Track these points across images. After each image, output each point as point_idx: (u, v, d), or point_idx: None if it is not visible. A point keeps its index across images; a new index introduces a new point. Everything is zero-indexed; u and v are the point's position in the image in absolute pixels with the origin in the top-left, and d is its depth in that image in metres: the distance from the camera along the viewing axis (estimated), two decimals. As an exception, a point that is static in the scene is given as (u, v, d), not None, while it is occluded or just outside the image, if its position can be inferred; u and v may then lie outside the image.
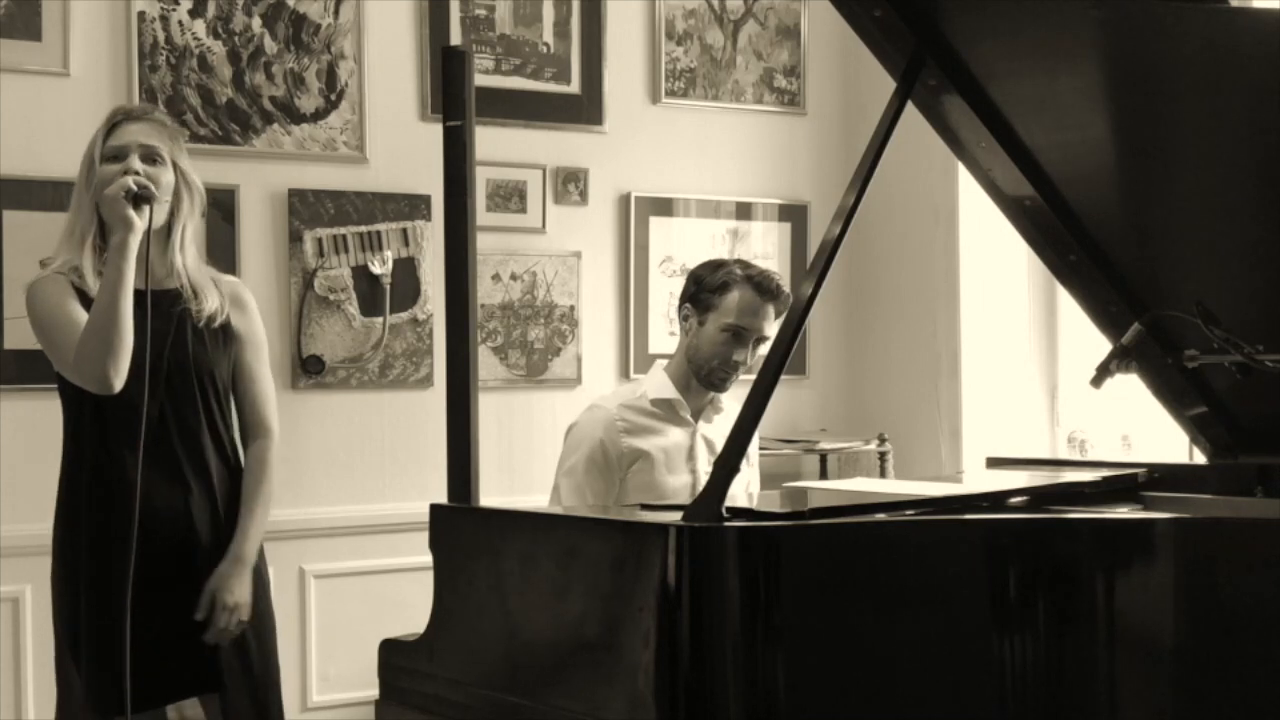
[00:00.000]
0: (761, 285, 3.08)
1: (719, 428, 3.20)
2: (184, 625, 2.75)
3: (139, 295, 2.63)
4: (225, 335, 2.83)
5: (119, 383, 2.60)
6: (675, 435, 3.13)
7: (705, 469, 3.15)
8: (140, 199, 2.59)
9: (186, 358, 2.75)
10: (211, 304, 2.79)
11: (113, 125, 2.74)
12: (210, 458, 2.79)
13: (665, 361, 3.22)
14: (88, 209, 2.72)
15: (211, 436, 2.80)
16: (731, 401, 3.26)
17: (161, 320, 2.69)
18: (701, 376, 3.12)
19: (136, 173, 2.64)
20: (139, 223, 2.58)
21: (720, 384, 3.14)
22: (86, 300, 2.68)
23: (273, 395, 2.94)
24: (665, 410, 3.13)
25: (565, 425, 3.24)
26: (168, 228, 2.75)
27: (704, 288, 3.10)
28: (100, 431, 2.72)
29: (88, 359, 2.59)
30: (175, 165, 2.75)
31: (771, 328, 3.12)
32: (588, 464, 3.07)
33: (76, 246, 2.74)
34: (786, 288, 3.15)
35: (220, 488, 2.81)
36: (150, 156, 2.71)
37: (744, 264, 3.15)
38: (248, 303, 2.90)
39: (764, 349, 3.17)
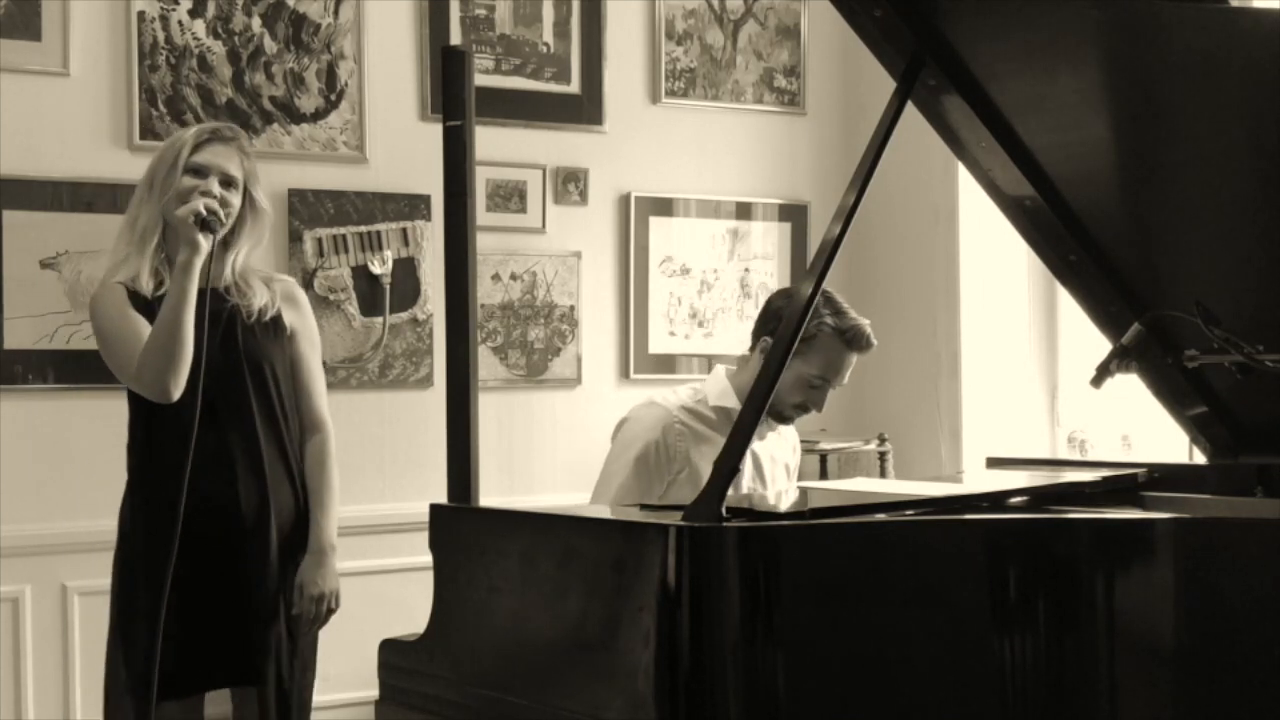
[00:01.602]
0: (852, 341, 2.97)
1: (768, 445, 3.15)
2: (225, 615, 2.81)
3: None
4: (276, 328, 2.91)
5: (177, 394, 2.72)
6: None
7: (747, 486, 3.08)
8: (207, 225, 2.70)
9: (236, 351, 2.83)
10: (260, 299, 2.88)
11: (200, 142, 2.84)
12: (264, 449, 2.85)
13: (727, 368, 3.14)
14: (153, 209, 2.82)
15: (266, 427, 2.86)
16: (786, 425, 3.22)
17: (216, 320, 2.79)
18: (770, 411, 2.98)
19: (213, 196, 2.77)
20: (205, 246, 2.69)
21: (787, 421, 3.10)
22: (139, 301, 2.79)
23: (324, 389, 3.03)
24: (723, 419, 3.03)
25: (566, 425, 3.24)
26: (225, 241, 2.84)
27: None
28: (152, 424, 2.81)
29: (149, 371, 2.72)
30: (246, 190, 2.87)
31: (850, 374, 3.04)
32: (638, 463, 2.98)
33: (138, 243, 2.83)
34: (874, 338, 3.02)
35: (273, 478, 2.86)
36: (227, 182, 2.83)
37: (834, 308, 2.98)
38: (301, 300, 3.01)
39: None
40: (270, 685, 2.84)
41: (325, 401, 3.01)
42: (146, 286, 2.81)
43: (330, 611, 2.93)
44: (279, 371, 2.89)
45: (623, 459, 3.01)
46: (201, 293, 2.74)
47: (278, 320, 2.91)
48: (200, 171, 2.81)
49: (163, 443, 2.79)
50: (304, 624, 2.88)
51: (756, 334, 3.07)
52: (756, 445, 3.10)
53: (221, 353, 2.81)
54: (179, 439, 2.69)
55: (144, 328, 2.75)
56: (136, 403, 2.83)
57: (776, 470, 3.18)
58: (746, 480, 3.08)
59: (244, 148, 2.90)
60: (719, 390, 3.07)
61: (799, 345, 2.92)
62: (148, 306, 2.79)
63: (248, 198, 2.87)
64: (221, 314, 2.83)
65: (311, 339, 3.00)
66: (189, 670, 2.79)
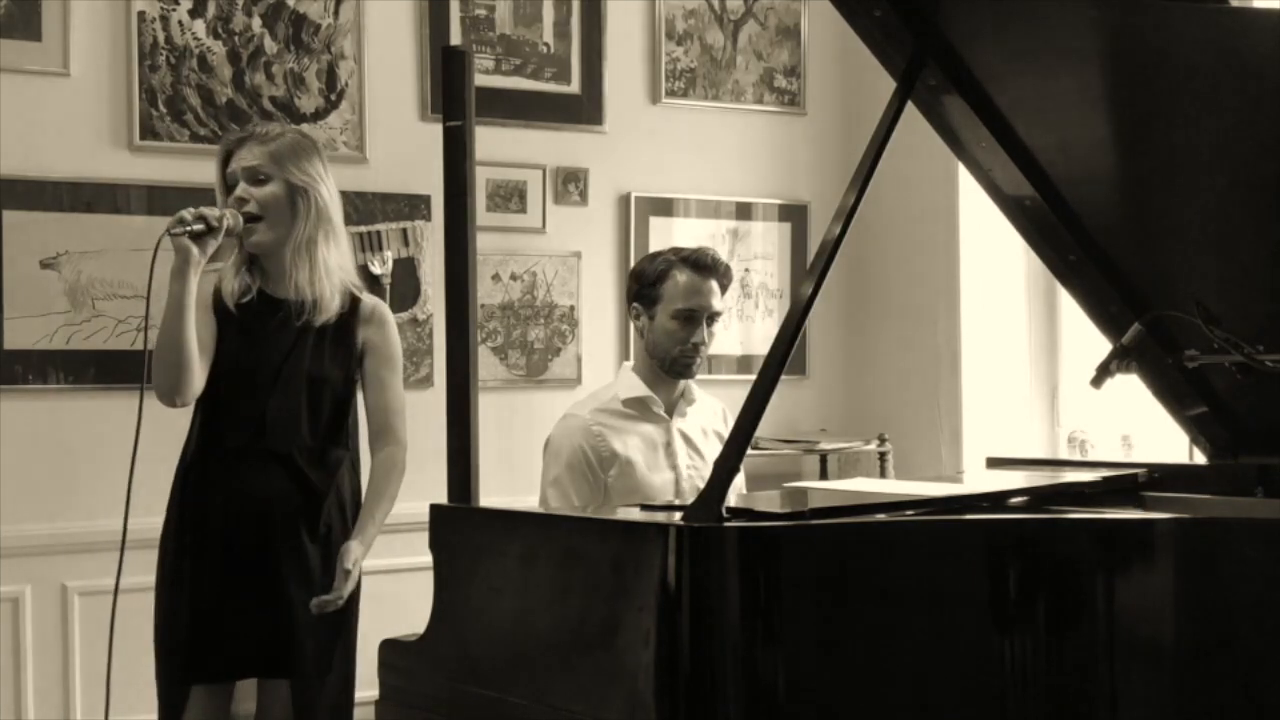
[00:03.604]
0: (698, 263, 3.10)
1: (692, 420, 3.23)
2: (252, 611, 2.84)
3: (270, 302, 2.87)
4: (346, 346, 2.94)
5: (182, 401, 2.79)
6: (651, 433, 3.15)
7: (685, 464, 3.17)
8: (194, 234, 2.71)
9: (299, 363, 2.88)
10: (327, 313, 2.90)
11: (226, 155, 2.90)
12: (308, 461, 2.89)
13: (631, 363, 3.26)
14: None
15: (313, 438, 2.90)
16: (703, 394, 3.27)
17: (284, 330, 2.88)
18: (667, 367, 3.13)
19: (244, 200, 2.82)
20: (195, 254, 2.71)
21: (686, 369, 3.15)
22: (218, 301, 2.87)
23: (403, 407, 3.05)
24: (639, 409, 3.15)
25: (565, 426, 3.25)
26: (280, 231, 2.88)
27: (644, 282, 3.13)
28: (207, 421, 2.89)
29: (155, 377, 2.78)
30: (286, 179, 2.86)
31: (720, 303, 3.15)
32: (570, 472, 3.08)
33: (228, 250, 2.90)
34: (724, 259, 3.18)
35: (314, 490, 2.90)
36: (255, 177, 2.85)
37: (676, 249, 3.17)
38: (385, 319, 3.02)
39: (719, 327, 3.23)
40: (304, 678, 2.87)
41: (402, 419, 3.04)
42: (228, 289, 2.87)
43: (340, 599, 2.86)
44: (337, 388, 2.93)
45: (554, 470, 3.11)
46: (274, 301, 2.86)
47: (348, 337, 2.94)
48: (232, 181, 2.86)
49: (212, 438, 2.89)
50: (334, 600, 2.82)
51: (629, 308, 3.21)
52: (679, 423, 3.19)
53: (284, 362, 2.87)
54: (229, 436, 2.85)
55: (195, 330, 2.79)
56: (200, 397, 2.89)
57: (709, 443, 3.20)
58: (683, 460, 3.13)
59: (265, 137, 2.88)
60: (628, 384, 3.18)
61: (654, 291, 3.09)
62: (224, 310, 2.86)
63: (289, 186, 2.86)
64: (291, 327, 2.88)
65: (390, 358, 3.01)
66: (218, 657, 2.85)
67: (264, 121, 2.92)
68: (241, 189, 2.84)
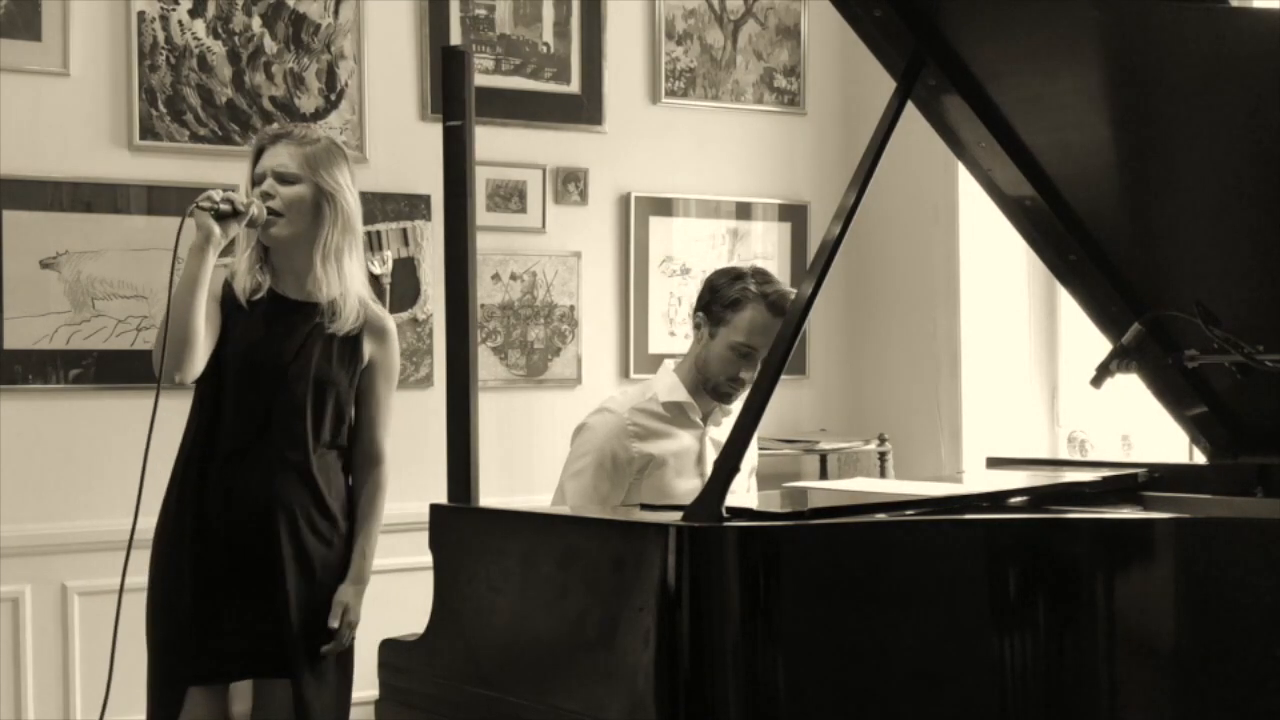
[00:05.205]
0: (776, 305, 3.02)
1: (726, 429, 3.16)
2: (250, 610, 2.84)
3: (282, 301, 2.88)
4: (353, 355, 2.95)
5: (181, 378, 2.79)
6: (685, 439, 3.10)
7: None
8: (219, 213, 2.73)
9: (306, 364, 2.88)
10: (346, 324, 2.91)
11: (258, 152, 2.92)
12: (312, 461, 2.89)
13: (674, 362, 3.18)
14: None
15: (315, 441, 2.90)
16: (739, 404, 3.25)
17: (295, 330, 2.88)
18: (709, 389, 3.09)
19: (269, 195, 2.84)
20: (217, 233, 2.73)
21: (726, 398, 3.10)
22: (228, 292, 2.88)
23: (390, 424, 3.05)
24: (675, 413, 3.09)
25: (566, 425, 3.23)
26: (312, 239, 2.90)
27: (718, 300, 3.05)
28: (209, 418, 2.88)
29: (156, 351, 2.79)
30: (316, 183, 2.88)
31: None
32: (596, 469, 3.04)
33: (243, 245, 2.92)
34: None
35: (316, 489, 2.90)
36: (283, 178, 2.87)
37: (762, 277, 3.07)
38: (392, 335, 3.03)
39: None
40: (303, 678, 2.86)
41: (388, 435, 3.05)
42: (241, 284, 2.88)
43: (352, 639, 2.98)
44: (341, 394, 2.94)
45: (579, 462, 3.07)
46: (288, 301, 2.87)
47: (356, 348, 2.95)
48: (260, 178, 2.88)
49: (212, 435, 2.89)
50: (336, 646, 2.92)
51: (695, 312, 3.13)
52: (714, 432, 3.15)
53: (292, 362, 2.87)
54: (231, 434, 2.85)
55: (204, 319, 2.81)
56: (202, 387, 2.88)
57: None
58: (710, 468, 3.10)
59: (302, 139, 2.91)
60: (668, 386, 3.12)
61: (725, 314, 3.01)
62: (234, 304, 2.86)
63: (317, 189, 2.88)
64: (306, 329, 2.89)
65: (389, 374, 3.03)
66: (218, 657, 2.84)
67: (300, 124, 2.92)
68: (268, 184, 2.85)
